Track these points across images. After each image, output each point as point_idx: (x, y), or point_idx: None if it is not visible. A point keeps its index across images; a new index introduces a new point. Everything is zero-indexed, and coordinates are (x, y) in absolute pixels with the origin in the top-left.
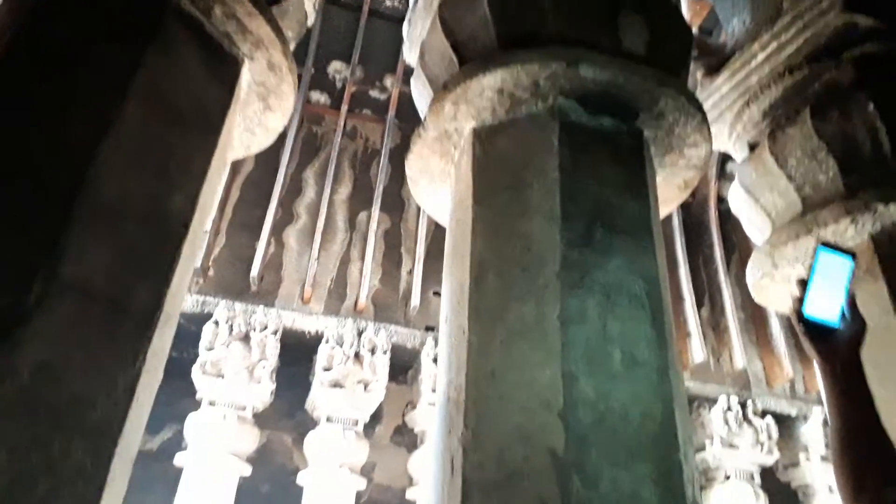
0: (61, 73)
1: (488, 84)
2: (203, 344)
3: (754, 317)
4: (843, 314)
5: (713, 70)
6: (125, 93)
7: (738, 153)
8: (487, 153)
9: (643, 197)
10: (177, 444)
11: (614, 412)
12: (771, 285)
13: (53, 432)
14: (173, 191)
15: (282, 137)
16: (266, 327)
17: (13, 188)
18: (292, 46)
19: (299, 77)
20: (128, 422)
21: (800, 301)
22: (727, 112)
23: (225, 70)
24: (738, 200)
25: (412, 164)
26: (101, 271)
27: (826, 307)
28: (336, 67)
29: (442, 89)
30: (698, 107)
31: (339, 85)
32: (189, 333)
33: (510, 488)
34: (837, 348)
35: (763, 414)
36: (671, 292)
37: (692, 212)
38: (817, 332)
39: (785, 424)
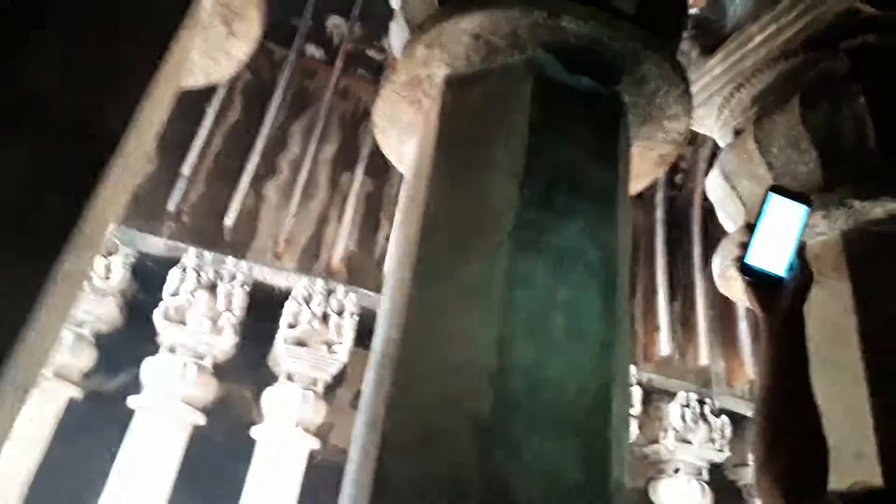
0: None
1: (465, 28)
2: (168, 289)
3: (723, 316)
4: (791, 265)
5: (709, 50)
6: None
7: (723, 139)
8: (457, 103)
9: (613, 165)
10: (134, 387)
11: (549, 382)
12: (737, 276)
13: None
14: (108, 103)
15: (271, 88)
16: (235, 278)
17: None
18: None
19: (295, 28)
20: (26, 346)
21: (744, 247)
22: (717, 95)
23: None
24: (715, 187)
25: (380, 111)
26: (9, 179)
27: (773, 257)
28: (335, 22)
29: (417, 30)
30: (683, 77)
31: (336, 41)
32: (157, 277)
33: (428, 451)
34: (781, 301)
35: (720, 413)
36: (646, 284)
37: (677, 206)
38: (761, 283)
39: (740, 424)
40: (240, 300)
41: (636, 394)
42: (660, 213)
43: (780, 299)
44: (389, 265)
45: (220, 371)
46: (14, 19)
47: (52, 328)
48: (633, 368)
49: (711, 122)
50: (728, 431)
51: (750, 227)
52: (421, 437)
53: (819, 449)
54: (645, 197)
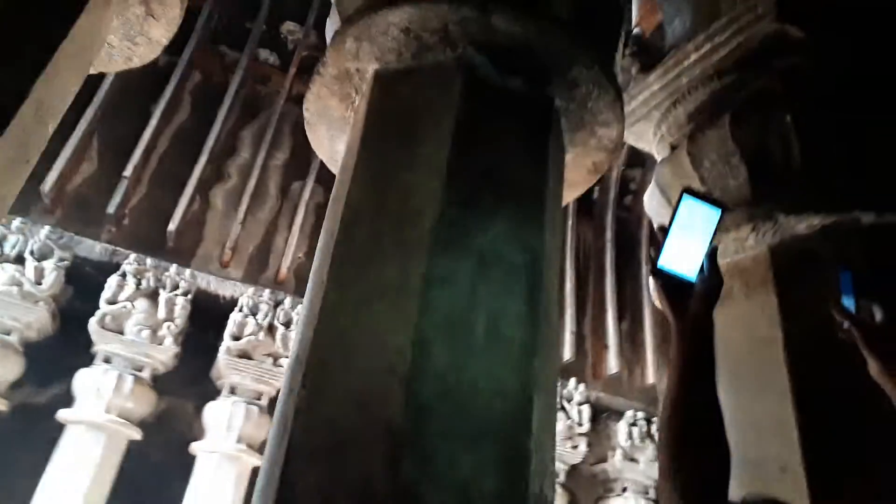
0: None
1: (394, 21)
2: (105, 296)
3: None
4: (703, 269)
5: (648, 67)
6: None
7: (660, 153)
8: (385, 98)
9: (541, 167)
10: (66, 400)
11: (464, 386)
12: None
13: None
14: None
15: (222, 91)
16: (178, 287)
17: None
18: None
19: (248, 31)
20: None
21: (657, 251)
22: (655, 111)
23: None
24: (652, 199)
25: (309, 106)
26: None
27: (685, 260)
28: (289, 28)
29: (345, 22)
30: (613, 82)
31: (290, 46)
32: (94, 283)
33: (336, 458)
34: (690, 305)
35: None
36: (595, 302)
37: (627, 227)
38: (672, 287)
39: None
40: (182, 309)
41: (585, 412)
42: (609, 234)
43: (689, 303)
44: (314, 264)
45: (161, 384)
46: None
47: None
48: (581, 386)
49: (650, 138)
50: None
51: (663, 230)
52: (329, 444)
53: (722, 458)
54: (595, 217)
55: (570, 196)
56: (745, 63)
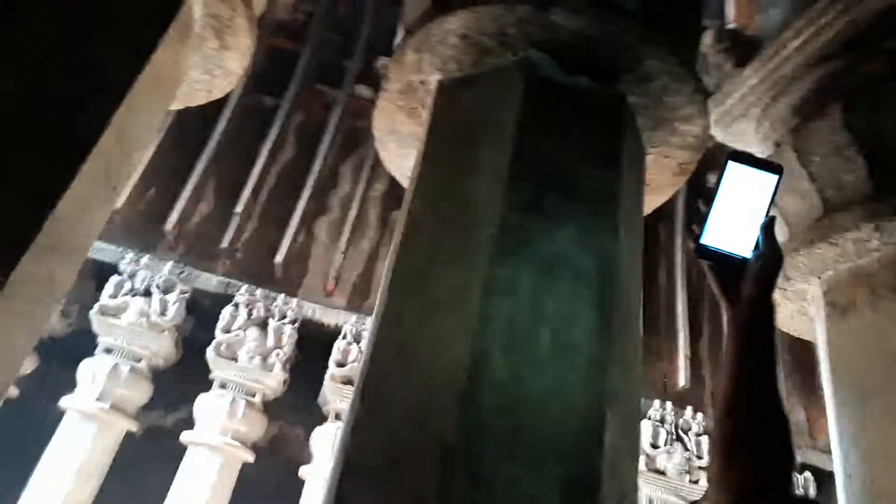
0: None
1: (451, 28)
2: (220, 325)
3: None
4: (757, 245)
5: (743, 62)
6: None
7: (764, 153)
8: (447, 108)
9: (613, 166)
10: (192, 422)
11: (527, 401)
12: (781, 303)
13: None
14: (78, 109)
15: (322, 128)
16: (285, 316)
17: None
18: None
19: (345, 69)
20: None
21: (700, 226)
22: (754, 107)
23: None
24: None
25: (378, 123)
26: None
27: (736, 236)
28: (384, 63)
29: (406, 34)
30: (692, 74)
31: None
32: (212, 314)
33: (389, 477)
34: (744, 287)
35: None
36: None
37: None
38: (722, 268)
39: None
40: (289, 337)
41: (705, 444)
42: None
43: (743, 285)
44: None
45: (272, 410)
46: None
47: (17, 336)
48: (699, 416)
49: (751, 137)
50: None
51: (707, 203)
52: (383, 462)
53: (783, 462)
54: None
55: (657, 200)
56: (853, 45)
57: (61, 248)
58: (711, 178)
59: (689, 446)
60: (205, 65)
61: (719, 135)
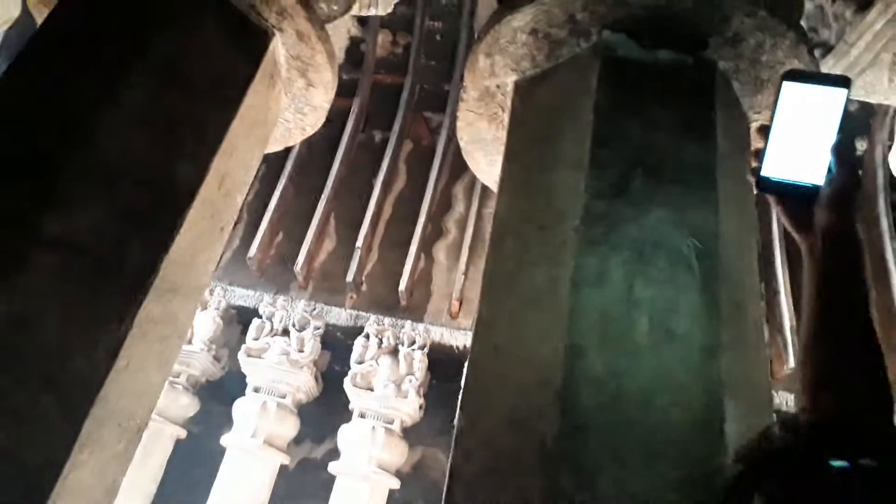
0: (72, 44)
1: (518, 25)
2: (354, 357)
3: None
4: (830, 169)
5: (865, 5)
6: (132, 60)
7: None
8: (525, 106)
9: (707, 140)
10: (338, 453)
11: (630, 396)
12: None
13: (21, 383)
14: (179, 157)
15: (431, 153)
16: (414, 342)
17: (2, 145)
18: (344, 18)
19: (446, 93)
20: (112, 384)
21: (759, 157)
22: (883, 52)
23: (251, 42)
24: None
25: (462, 133)
26: (91, 230)
27: (803, 162)
28: None
29: (476, 41)
30: (789, 22)
31: None
32: (345, 346)
33: (494, 482)
34: (818, 216)
35: None
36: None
37: None
38: (792, 198)
39: None
40: (420, 362)
41: None
42: (886, 223)
43: (817, 214)
44: None
45: (412, 435)
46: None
47: (150, 371)
48: None
49: (884, 87)
50: None
51: (765, 131)
52: (486, 468)
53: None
54: (864, 205)
55: None
56: None
57: (180, 290)
58: (860, 145)
59: None
60: (296, 104)
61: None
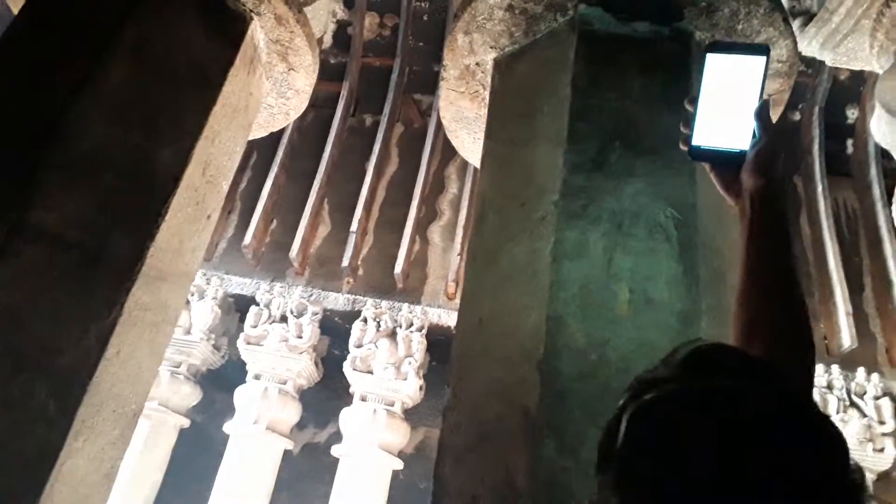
0: (48, 33)
1: (495, 2)
2: (352, 341)
3: None
4: (754, 134)
5: None
6: (109, 48)
7: (883, 67)
8: (505, 82)
9: (683, 110)
10: (341, 436)
11: (610, 364)
12: None
13: (13, 373)
14: (161, 145)
15: (423, 135)
16: (412, 324)
17: None
18: (325, 1)
19: (436, 74)
20: (104, 372)
21: (688, 127)
22: (864, 19)
23: (229, 27)
24: (880, 125)
25: (444, 113)
26: (74, 220)
27: (729, 130)
28: None
29: (454, 19)
30: None
31: None
32: (343, 331)
33: (481, 453)
34: (745, 180)
35: None
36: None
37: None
38: (723, 165)
39: None
40: (418, 344)
41: (886, 407)
42: (878, 191)
43: (744, 178)
44: None
45: (414, 417)
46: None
47: (135, 358)
48: (875, 377)
49: (866, 53)
50: None
51: (693, 101)
52: (473, 438)
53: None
54: (855, 175)
55: None
56: None
57: (168, 277)
58: (851, 113)
59: (866, 412)
60: (278, 89)
61: (828, 58)
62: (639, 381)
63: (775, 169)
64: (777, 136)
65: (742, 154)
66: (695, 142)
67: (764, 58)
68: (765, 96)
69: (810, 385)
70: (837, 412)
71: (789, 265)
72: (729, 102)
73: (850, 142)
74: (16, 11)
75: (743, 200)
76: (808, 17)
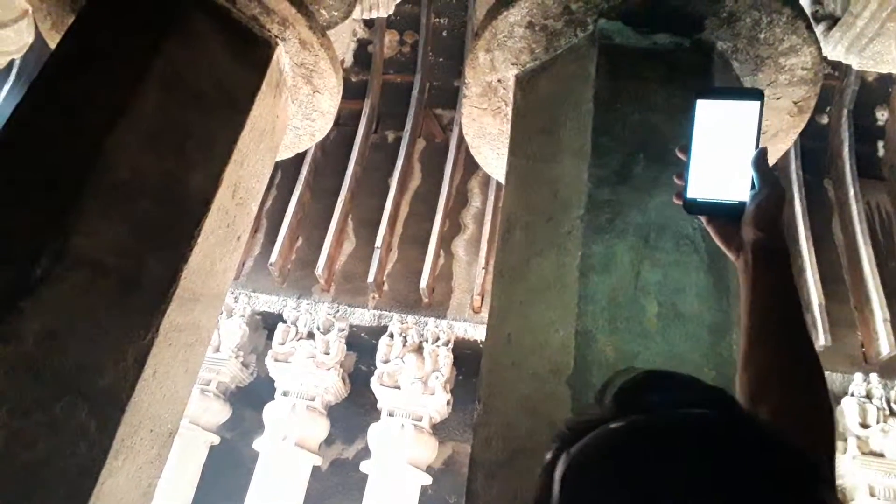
0: (85, 66)
1: (514, 20)
2: (379, 356)
3: None
4: (753, 184)
5: None
6: (141, 79)
7: None
8: (527, 98)
9: None
10: (369, 452)
11: None
12: None
13: (56, 395)
14: (192, 170)
15: (445, 150)
16: (438, 339)
17: (25, 169)
18: (348, 22)
19: (457, 89)
20: (141, 392)
21: (682, 179)
22: (889, 22)
23: (255, 53)
24: None
25: (467, 129)
26: (112, 246)
27: (726, 180)
28: None
29: (474, 37)
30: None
31: None
32: (370, 346)
33: (513, 469)
34: (745, 233)
35: None
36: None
37: None
38: (721, 218)
39: None
40: (445, 358)
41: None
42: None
43: (744, 231)
44: None
45: (442, 431)
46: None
47: (171, 378)
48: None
49: (893, 56)
50: None
51: (685, 150)
52: (503, 455)
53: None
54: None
55: (779, 147)
56: None
57: (201, 298)
58: (881, 115)
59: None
60: (303, 111)
61: (854, 61)
62: (568, 427)
63: (778, 221)
64: (778, 185)
65: (741, 206)
66: (690, 194)
67: (758, 102)
68: (761, 139)
69: (832, 459)
70: (878, 422)
71: (798, 322)
72: (724, 152)
73: (880, 143)
74: (52, 46)
75: (744, 255)
76: (833, 21)
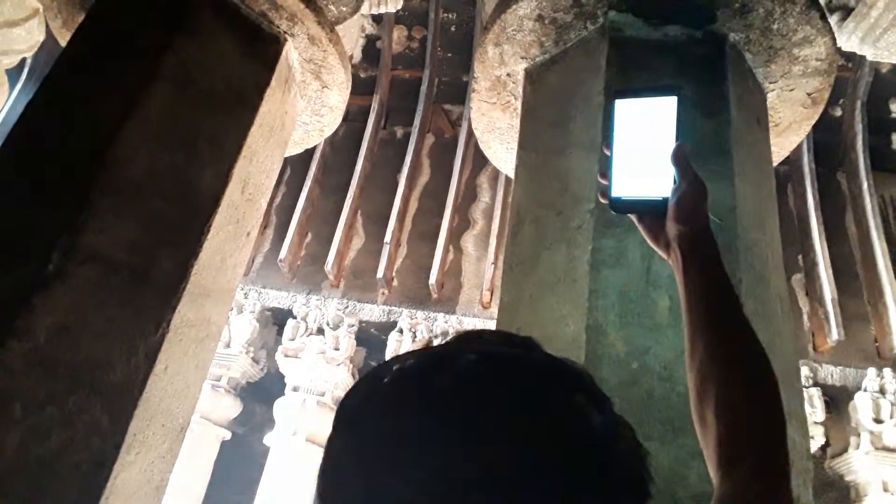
0: (95, 64)
1: (523, 13)
2: (389, 352)
3: None
4: (674, 179)
5: None
6: (152, 76)
7: None
8: (537, 92)
9: (719, 114)
10: None
11: (652, 372)
12: None
13: (69, 390)
14: (202, 166)
15: (453, 145)
16: (447, 334)
17: (37, 166)
18: (357, 17)
19: (465, 84)
20: (153, 387)
21: (606, 179)
22: None
23: (264, 49)
24: None
25: (476, 124)
26: (123, 242)
27: (649, 177)
28: None
29: (483, 31)
30: None
31: None
32: (379, 342)
33: None
34: (669, 229)
35: None
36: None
37: None
38: (648, 215)
39: None
40: None
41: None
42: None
43: (668, 227)
44: None
45: None
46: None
47: (181, 373)
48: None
49: None
50: None
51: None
52: None
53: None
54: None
55: (792, 140)
56: None
57: (211, 293)
58: (895, 107)
59: None
60: (312, 106)
61: (869, 52)
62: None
63: (699, 215)
64: (697, 179)
65: (665, 202)
66: (614, 193)
67: (675, 97)
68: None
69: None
70: (891, 417)
71: (733, 315)
72: (645, 149)
73: (894, 136)
74: (63, 44)
75: (674, 252)
76: (847, 11)
